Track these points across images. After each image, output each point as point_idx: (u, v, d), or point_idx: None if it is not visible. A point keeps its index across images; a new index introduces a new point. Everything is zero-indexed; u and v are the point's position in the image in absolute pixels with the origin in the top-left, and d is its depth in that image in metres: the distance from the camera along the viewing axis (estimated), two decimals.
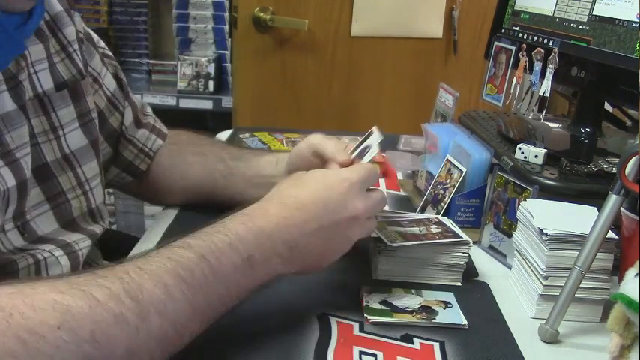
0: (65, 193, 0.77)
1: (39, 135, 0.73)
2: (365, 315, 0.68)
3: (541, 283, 0.71)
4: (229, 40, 2.11)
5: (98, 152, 0.83)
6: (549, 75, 0.96)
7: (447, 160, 0.94)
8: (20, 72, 0.70)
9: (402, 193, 1.08)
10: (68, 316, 0.46)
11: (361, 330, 0.66)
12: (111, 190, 2.12)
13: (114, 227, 2.24)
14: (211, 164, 0.92)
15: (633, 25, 0.86)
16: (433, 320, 0.68)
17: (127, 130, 0.91)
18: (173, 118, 1.10)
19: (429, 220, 0.82)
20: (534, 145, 0.97)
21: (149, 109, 0.97)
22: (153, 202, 1.03)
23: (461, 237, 0.77)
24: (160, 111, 1.02)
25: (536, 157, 0.94)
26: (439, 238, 0.76)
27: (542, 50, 0.99)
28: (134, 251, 0.83)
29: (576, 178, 0.90)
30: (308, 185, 0.67)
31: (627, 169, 0.64)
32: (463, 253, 0.76)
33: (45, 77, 0.74)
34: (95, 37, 0.88)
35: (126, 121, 0.91)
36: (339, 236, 0.66)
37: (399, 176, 1.14)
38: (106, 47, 0.91)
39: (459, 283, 0.77)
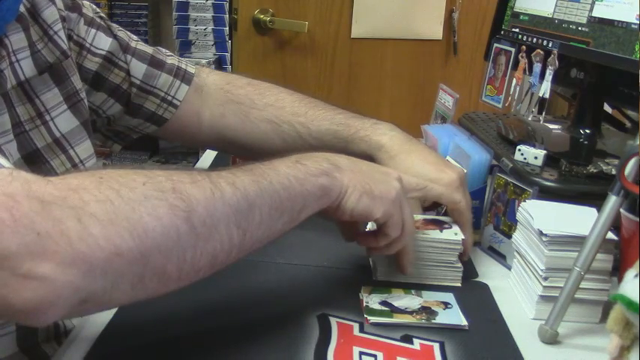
0: None
1: (26, 122, 0.72)
2: (365, 315, 0.68)
3: (541, 284, 0.71)
4: (229, 42, 2.12)
5: (90, 132, 0.81)
6: (549, 76, 0.97)
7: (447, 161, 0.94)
8: (1, 61, 0.69)
9: None
10: (150, 177, 0.51)
11: (361, 330, 0.67)
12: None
13: None
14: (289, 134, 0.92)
15: (632, 26, 0.86)
16: (433, 321, 0.69)
17: (142, 82, 0.89)
18: None
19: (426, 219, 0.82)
20: (534, 146, 0.97)
21: (167, 54, 0.94)
22: (173, 141, 1.02)
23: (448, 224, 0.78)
24: None
25: (535, 158, 0.94)
26: (432, 228, 0.77)
27: (541, 52, 0.99)
28: None
29: (576, 179, 0.90)
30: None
31: (627, 170, 0.64)
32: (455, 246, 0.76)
33: (27, 65, 0.73)
34: (85, 3, 0.86)
35: (136, 73, 0.89)
36: (384, 178, 0.69)
37: None
38: (99, 11, 0.89)
39: (459, 284, 0.77)
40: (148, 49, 0.91)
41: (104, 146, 0.97)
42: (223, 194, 0.55)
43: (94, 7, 0.88)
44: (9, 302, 0.43)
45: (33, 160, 0.73)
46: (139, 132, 0.94)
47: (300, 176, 0.62)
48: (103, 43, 0.86)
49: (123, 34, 0.89)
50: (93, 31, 0.85)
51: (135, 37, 0.92)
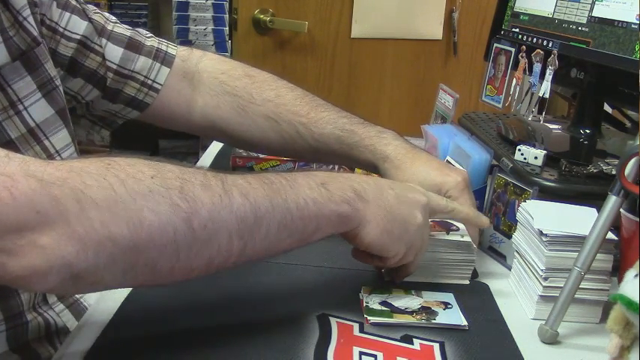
0: None
1: None
2: (365, 316, 0.68)
3: (541, 284, 0.71)
4: (229, 41, 2.11)
5: (68, 121, 0.79)
6: (549, 76, 0.97)
7: (447, 161, 0.94)
8: None
9: None
10: (160, 172, 0.52)
11: (361, 331, 0.66)
12: None
13: None
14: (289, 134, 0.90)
15: (632, 26, 0.86)
16: (433, 321, 0.69)
17: (119, 66, 0.86)
18: None
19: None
20: (534, 146, 0.97)
21: (146, 36, 0.91)
22: (165, 127, 0.97)
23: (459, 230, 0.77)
24: None
25: (535, 158, 0.94)
26: (440, 230, 0.78)
27: (541, 52, 0.99)
28: None
29: (576, 180, 0.90)
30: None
31: (627, 170, 0.64)
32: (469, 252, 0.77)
33: None
34: None
35: (112, 57, 0.85)
36: (409, 212, 0.69)
37: None
38: None
39: (467, 282, 0.77)
40: (126, 32, 0.88)
41: (103, 144, 0.95)
42: (232, 203, 0.55)
43: None
44: (8, 269, 0.47)
45: None
46: (122, 117, 0.91)
47: (320, 200, 0.62)
48: (78, 27, 0.82)
49: (99, 16, 0.86)
50: (67, 14, 0.82)
51: (113, 19, 0.88)
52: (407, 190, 0.71)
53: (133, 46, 0.87)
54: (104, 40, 0.85)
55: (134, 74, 0.87)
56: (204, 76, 0.92)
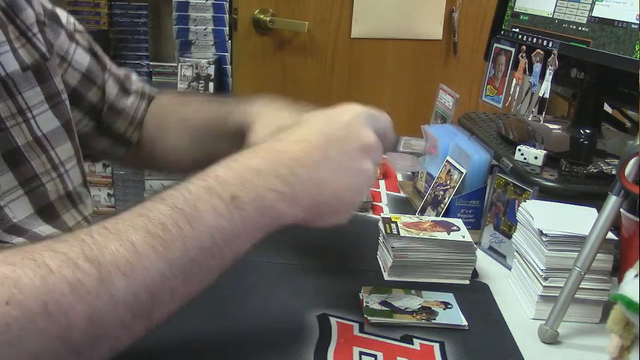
0: (39, 177, 0.74)
1: (7, 119, 0.70)
2: (365, 315, 0.68)
3: (541, 284, 0.71)
4: (229, 41, 2.12)
5: (72, 134, 0.80)
6: (549, 76, 0.97)
7: (447, 161, 0.94)
8: None
9: (401, 194, 1.09)
10: (16, 289, 0.43)
11: (361, 330, 0.67)
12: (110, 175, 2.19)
13: None
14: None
15: (632, 26, 0.86)
16: (433, 321, 0.69)
17: (114, 102, 0.90)
18: None
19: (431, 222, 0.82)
20: (534, 146, 0.97)
21: (134, 76, 0.95)
22: (151, 169, 0.99)
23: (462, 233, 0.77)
24: None
25: (535, 158, 0.94)
26: (440, 230, 0.78)
27: (541, 52, 0.99)
28: None
29: (576, 180, 0.90)
30: (307, 122, 0.60)
31: (627, 170, 0.64)
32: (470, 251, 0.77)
33: (7, 60, 0.71)
34: (63, 14, 0.85)
35: (110, 93, 0.89)
36: (352, 169, 0.59)
37: (399, 177, 1.15)
38: (77, 22, 0.89)
39: (467, 282, 0.77)
40: (120, 71, 0.93)
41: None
42: (114, 293, 0.47)
43: (69, 17, 0.88)
44: None
45: (14, 159, 0.71)
46: (107, 155, 0.96)
47: (232, 227, 0.52)
48: (83, 58, 0.86)
49: (99, 51, 0.90)
50: (73, 45, 0.85)
51: (109, 61, 0.92)
52: (354, 139, 0.60)
53: (124, 86, 0.92)
54: (106, 75, 0.89)
55: (125, 111, 0.91)
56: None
